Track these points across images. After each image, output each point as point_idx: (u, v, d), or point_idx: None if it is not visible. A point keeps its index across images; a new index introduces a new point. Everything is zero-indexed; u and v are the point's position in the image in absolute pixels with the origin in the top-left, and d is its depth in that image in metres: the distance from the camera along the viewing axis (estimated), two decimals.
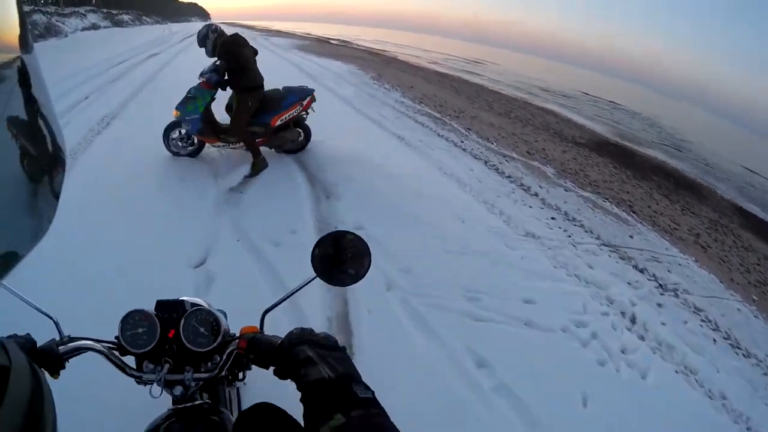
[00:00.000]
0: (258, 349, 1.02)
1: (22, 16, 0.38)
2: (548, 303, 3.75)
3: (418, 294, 3.51)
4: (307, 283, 1.13)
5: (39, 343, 0.99)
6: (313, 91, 5.59)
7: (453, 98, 13.75)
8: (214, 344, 1.07)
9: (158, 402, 1.04)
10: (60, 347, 0.99)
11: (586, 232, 5.60)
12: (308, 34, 46.89)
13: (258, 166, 5.39)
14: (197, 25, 38.79)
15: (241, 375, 1.20)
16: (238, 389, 1.52)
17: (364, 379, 0.84)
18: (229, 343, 1.09)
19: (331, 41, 33.04)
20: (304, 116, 5.74)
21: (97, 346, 1.04)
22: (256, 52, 5.46)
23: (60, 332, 1.05)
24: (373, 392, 0.79)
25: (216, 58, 5.22)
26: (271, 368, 0.99)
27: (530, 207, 5.82)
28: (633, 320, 3.99)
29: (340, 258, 1.13)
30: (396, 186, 5.39)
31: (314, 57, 17.60)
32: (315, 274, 1.12)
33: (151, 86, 10.25)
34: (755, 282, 6.73)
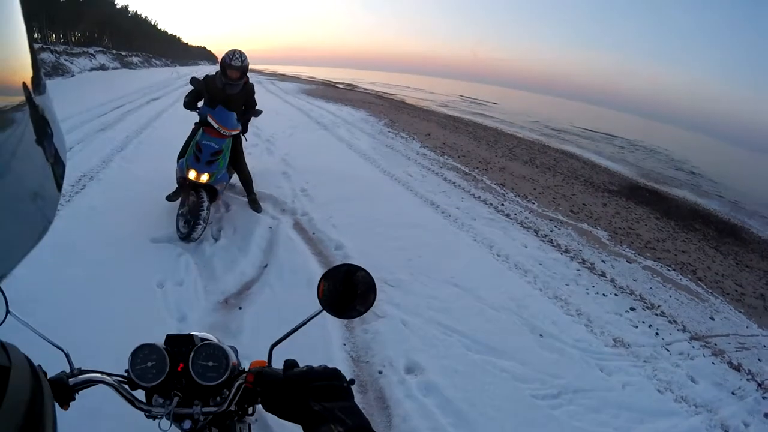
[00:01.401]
0: (266, 384, 0.98)
1: (34, 57, 0.39)
2: None
3: None
4: (313, 317, 1.12)
5: (50, 375, 0.95)
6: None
7: (474, 146, 13.40)
8: (223, 378, 1.06)
9: None
10: (70, 379, 0.99)
11: (670, 323, 5.12)
12: (313, 78, 47.12)
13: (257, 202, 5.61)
14: (205, 69, 38.74)
15: (250, 410, 1.17)
16: (249, 425, 1.42)
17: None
18: (237, 377, 1.08)
19: (337, 85, 33.09)
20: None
21: (108, 379, 1.03)
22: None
23: (71, 364, 1.04)
24: None
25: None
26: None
27: (605, 296, 5.26)
28: None
29: (348, 292, 1.13)
30: (447, 287, 4.67)
31: (323, 102, 17.31)
32: (321, 308, 1.12)
33: (144, 135, 9.38)
34: None
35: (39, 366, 0.83)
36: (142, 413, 1.05)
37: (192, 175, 4.60)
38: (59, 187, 0.43)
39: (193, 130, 5.13)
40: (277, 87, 18.80)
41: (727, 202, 15.63)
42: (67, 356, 1.05)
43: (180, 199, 4.81)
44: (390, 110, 18.32)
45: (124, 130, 9.56)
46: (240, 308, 3.76)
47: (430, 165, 10.08)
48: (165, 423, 1.03)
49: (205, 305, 3.71)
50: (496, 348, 3.75)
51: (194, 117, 5.05)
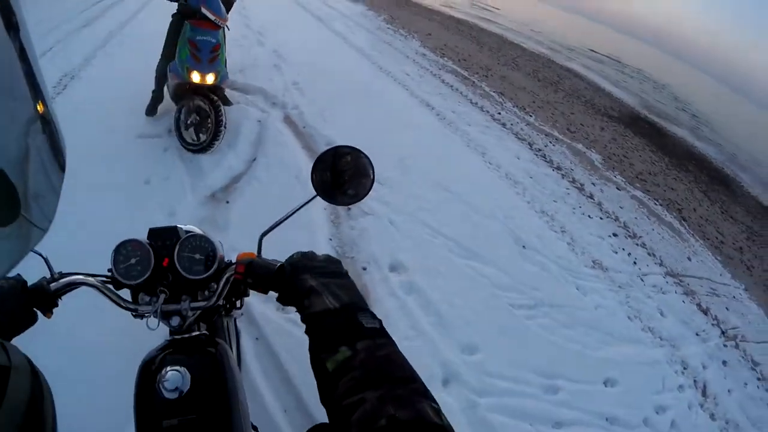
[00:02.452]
0: (256, 273, 0.98)
1: (33, 56, 0.38)
2: (629, 382, 3.25)
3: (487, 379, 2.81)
4: (307, 203, 1.09)
5: (30, 282, 0.94)
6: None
7: (476, 51, 12.64)
8: (211, 271, 1.03)
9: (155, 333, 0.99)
10: (52, 284, 0.95)
11: (649, 255, 5.10)
12: None
13: None
14: None
15: (238, 303, 1.17)
16: (235, 320, 1.45)
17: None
18: (225, 269, 1.05)
19: None
20: None
21: (90, 280, 0.98)
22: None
23: (50, 269, 0.98)
24: (380, 321, 0.78)
25: None
26: (272, 293, 0.97)
27: (590, 217, 5.15)
28: (704, 393, 3.72)
29: (341, 177, 1.09)
30: (438, 189, 4.49)
31: None
32: (315, 193, 1.09)
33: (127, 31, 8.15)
34: None
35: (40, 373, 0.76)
36: (129, 313, 1.01)
37: (196, 77, 4.01)
38: (59, 186, 0.42)
39: (171, 24, 4.38)
40: None
41: (724, 152, 15.58)
42: (46, 261, 0.99)
43: (180, 107, 4.18)
44: (390, 5, 16.98)
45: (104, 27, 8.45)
46: (227, 202, 3.66)
47: (429, 66, 9.56)
48: (153, 321, 1.01)
49: (192, 200, 3.58)
50: (479, 254, 3.72)
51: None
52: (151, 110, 4.61)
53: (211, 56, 4.06)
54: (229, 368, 0.98)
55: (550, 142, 7.16)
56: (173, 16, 4.34)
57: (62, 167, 0.43)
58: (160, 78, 4.42)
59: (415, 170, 4.65)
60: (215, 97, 4.10)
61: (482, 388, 2.68)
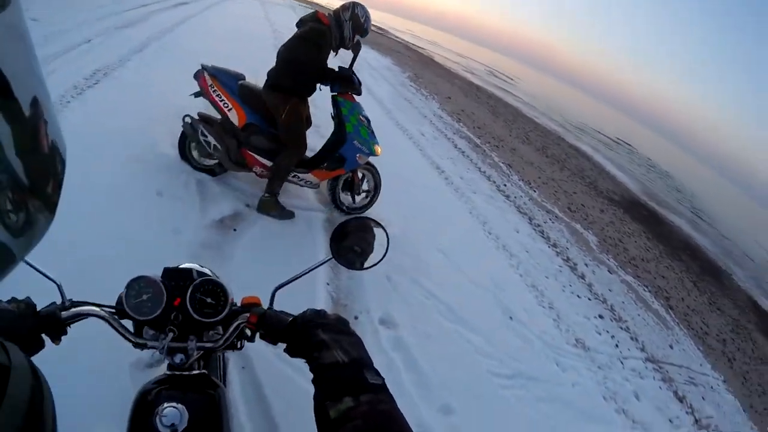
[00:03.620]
0: (269, 325, 1.04)
1: (33, 56, 0.38)
2: None
3: None
4: (321, 264, 1.16)
5: (39, 307, 0.97)
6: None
7: (490, 121, 13.25)
8: (221, 316, 1.07)
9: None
10: (62, 312, 0.98)
11: (631, 339, 5.34)
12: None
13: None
14: None
15: (239, 344, 1.17)
16: (227, 360, 1.51)
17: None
18: (236, 315, 1.09)
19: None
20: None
21: (101, 312, 1.02)
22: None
23: (63, 296, 1.02)
24: (383, 379, 0.81)
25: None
26: (280, 345, 1.02)
27: (579, 297, 5.42)
28: None
29: (360, 244, 1.16)
30: (433, 253, 4.74)
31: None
32: (331, 256, 1.15)
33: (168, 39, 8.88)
34: None
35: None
36: (130, 344, 1.05)
37: (379, 150, 4.26)
38: (59, 186, 0.43)
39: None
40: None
41: (719, 245, 15.89)
42: (60, 288, 1.03)
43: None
44: (416, 64, 17.87)
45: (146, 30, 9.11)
46: (234, 230, 3.79)
47: (444, 129, 9.97)
48: (156, 355, 1.07)
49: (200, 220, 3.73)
50: (467, 320, 3.88)
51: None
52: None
53: (363, 130, 4.18)
54: (225, 411, 1.02)
55: (550, 219, 7.51)
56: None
57: (62, 165, 0.45)
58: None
59: (416, 231, 4.88)
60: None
61: None
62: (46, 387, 0.53)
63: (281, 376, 2.54)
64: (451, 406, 3.02)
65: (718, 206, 29.16)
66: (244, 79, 4.12)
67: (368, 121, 4.27)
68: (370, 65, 13.13)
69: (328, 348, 0.86)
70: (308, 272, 1.16)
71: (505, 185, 8.00)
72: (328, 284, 3.62)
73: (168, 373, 1.08)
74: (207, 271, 1.20)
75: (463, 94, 16.15)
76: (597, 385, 4.15)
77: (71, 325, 1.00)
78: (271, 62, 4.05)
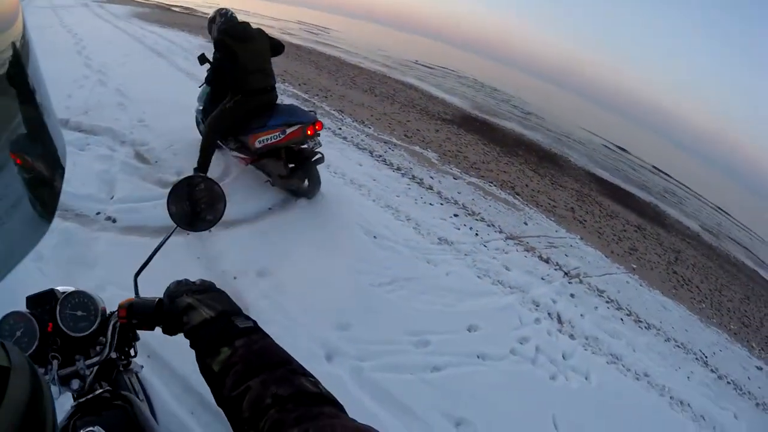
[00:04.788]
0: (139, 313, 1.01)
1: (34, 61, 0.41)
2: (490, 324, 3.76)
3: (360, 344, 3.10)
4: (169, 236, 1.16)
5: None
6: (311, 121, 4.28)
7: (315, 75, 13.23)
8: (96, 323, 1.05)
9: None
10: None
11: (488, 226, 5.82)
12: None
13: None
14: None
15: (132, 352, 1.16)
16: (137, 374, 1.42)
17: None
18: (109, 318, 1.07)
19: (173, 9, 29.78)
20: (319, 158, 4.51)
21: None
22: (271, 50, 4.58)
23: None
24: (254, 321, 0.84)
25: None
26: (158, 329, 1.00)
27: (431, 205, 5.76)
28: (560, 320, 4.37)
29: (198, 205, 1.19)
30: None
31: (158, 28, 15.55)
32: (175, 224, 1.15)
33: None
34: (628, 250, 7.85)
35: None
36: None
37: None
38: (58, 186, 0.43)
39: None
40: (107, 11, 16.35)
41: (551, 136, 17.56)
42: None
43: None
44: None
45: None
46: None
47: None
48: (54, 390, 0.96)
49: None
50: (335, 247, 4.03)
51: None
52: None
53: None
54: (143, 417, 1.00)
55: (389, 148, 7.82)
56: None
57: (62, 165, 0.46)
58: None
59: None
60: None
61: (362, 354, 2.98)
62: (47, 387, 0.51)
63: (185, 350, 2.42)
64: (347, 321, 3.19)
65: (545, 105, 32.10)
66: None
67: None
68: (183, 48, 12.18)
69: (194, 309, 0.87)
70: (161, 247, 1.16)
71: (340, 129, 8.11)
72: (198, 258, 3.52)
73: (74, 404, 1.02)
74: (68, 288, 1.13)
75: (284, 56, 15.96)
76: (468, 268, 4.51)
77: None
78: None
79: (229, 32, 4.22)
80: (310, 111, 4.43)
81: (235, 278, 3.31)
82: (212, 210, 1.18)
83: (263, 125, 4.30)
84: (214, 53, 4.22)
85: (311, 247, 3.92)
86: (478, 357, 3.37)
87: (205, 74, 4.42)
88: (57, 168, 0.44)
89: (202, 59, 4.55)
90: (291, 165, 4.50)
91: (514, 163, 10.40)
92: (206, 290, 0.94)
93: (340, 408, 0.66)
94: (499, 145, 11.63)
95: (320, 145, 4.37)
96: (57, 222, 3.41)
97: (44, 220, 0.42)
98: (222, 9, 4.49)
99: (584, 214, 8.68)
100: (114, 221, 3.58)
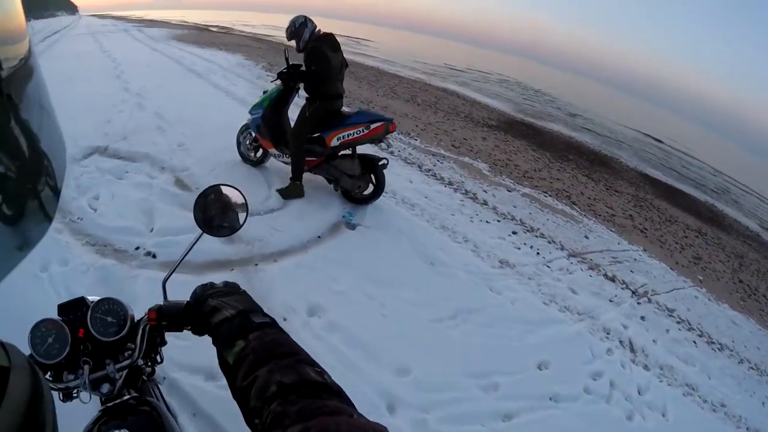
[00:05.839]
0: (168, 315, 1.07)
1: (34, 59, 0.43)
2: (560, 360, 3.52)
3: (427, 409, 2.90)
4: (196, 241, 1.21)
5: None
6: (390, 120, 4.64)
7: (355, 87, 13.14)
8: (126, 328, 1.07)
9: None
10: None
11: (549, 243, 5.58)
12: (184, 21, 42.63)
13: (289, 191, 4.84)
14: (64, 21, 33.29)
15: (158, 358, 1.18)
16: (159, 386, 1.42)
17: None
18: (139, 324, 1.10)
19: (211, 29, 30.54)
20: (385, 162, 4.77)
21: None
22: (346, 64, 5.03)
23: None
24: (272, 318, 0.87)
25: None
26: (186, 331, 1.06)
27: (488, 222, 5.55)
28: (632, 348, 4.11)
29: (223, 211, 1.25)
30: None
31: (196, 48, 15.90)
32: (201, 231, 1.21)
33: None
34: (692, 259, 7.47)
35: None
36: (59, 400, 0.99)
37: None
38: (59, 187, 0.44)
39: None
40: (145, 35, 16.88)
41: (599, 138, 17.10)
42: None
43: None
44: (268, 53, 17.29)
45: None
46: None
47: None
48: (84, 395, 1.01)
49: None
50: (391, 279, 3.85)
51: None
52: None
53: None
54: (168, 424, 1.02)
55: (438, 160, 7.65)
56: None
57: (62, 166, 0.47)
58: None
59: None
60: None
61: (425, 404, 2.80)
62: (47, 387, 0.53)
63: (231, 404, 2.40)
64: (407, 365, 3.00)
65: (591, 106, 31.41)
66: None
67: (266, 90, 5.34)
68: (221, 66, 12.42)
69: (218, 310, 0.90)
70: (188, 253, 1.21)
71: (386, 145, 7.98)
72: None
73: (102, 408, 1.04)
74: (96, 298, 1.15)
75: None
76: (533, 294, 4.29)
77: None
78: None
79: (326, 40, 4.67)
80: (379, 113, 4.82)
81: (285, 320, 3.15)
82: (235, 218, 1.24)
83: (342, 123, 4.64)
84: (307, 58, 4.61)
85: (365, 280, 3.75)
86: (550, 399, 3.15)
87: (281, 74, 4.85)
88: (57, 168, 0.43)
89: (286, 72, 4.82)
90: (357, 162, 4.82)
91: (566, 169, 10.10)
92: (230, 293, 0.98)
93: (346, 401, 0.65)
94: (548, 150, 11.35)
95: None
96: (95, 258, 3.41)
97: (44, 220, 0.42)
98: (304, 17, 4.78)
99: (644, 221, 8.34)
100: (154, 256, 3.51)
